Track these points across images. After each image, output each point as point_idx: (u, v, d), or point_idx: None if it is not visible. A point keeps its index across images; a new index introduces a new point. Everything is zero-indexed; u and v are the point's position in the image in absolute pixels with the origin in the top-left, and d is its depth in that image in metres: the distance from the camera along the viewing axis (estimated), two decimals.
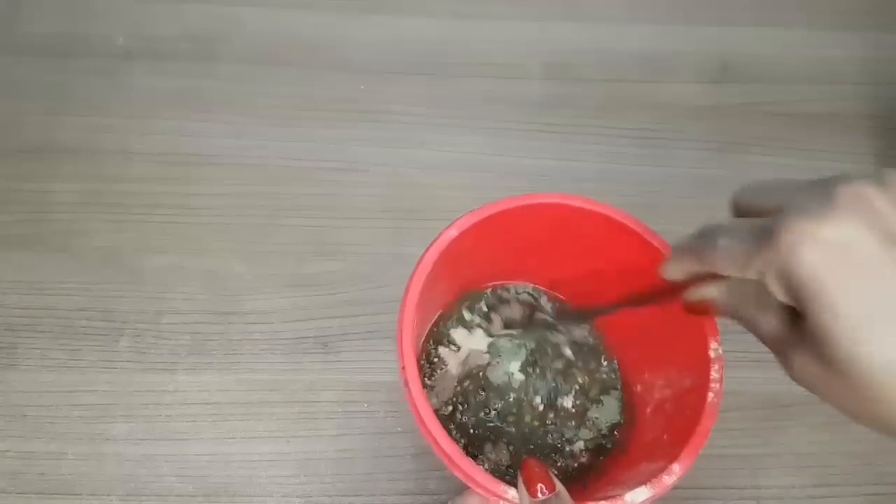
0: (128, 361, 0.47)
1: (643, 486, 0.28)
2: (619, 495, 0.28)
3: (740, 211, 0.25)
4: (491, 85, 0.60)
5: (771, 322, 0.24)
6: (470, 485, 0.29)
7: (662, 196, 0.55)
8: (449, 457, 0.28)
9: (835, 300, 0.20)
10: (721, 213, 0.57)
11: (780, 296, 0.22)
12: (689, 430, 0.30)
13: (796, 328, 0.23)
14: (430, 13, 0.63)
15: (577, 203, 0.34)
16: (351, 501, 0.43)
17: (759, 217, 0.23)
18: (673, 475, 0.29)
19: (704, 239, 0.25)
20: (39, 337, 0.47)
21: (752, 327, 0.25)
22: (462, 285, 0.41)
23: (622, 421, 0.39)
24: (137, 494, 0.43)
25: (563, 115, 0.59)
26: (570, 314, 0.41)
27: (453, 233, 0.33)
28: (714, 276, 0.26)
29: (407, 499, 0.43)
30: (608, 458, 0.38)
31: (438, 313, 0.41)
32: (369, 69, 0.60)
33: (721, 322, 0.31)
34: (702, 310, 0.28)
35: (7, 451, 0.44)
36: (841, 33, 0.64)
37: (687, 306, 0.28)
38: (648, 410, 0.37)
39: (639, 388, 0.39)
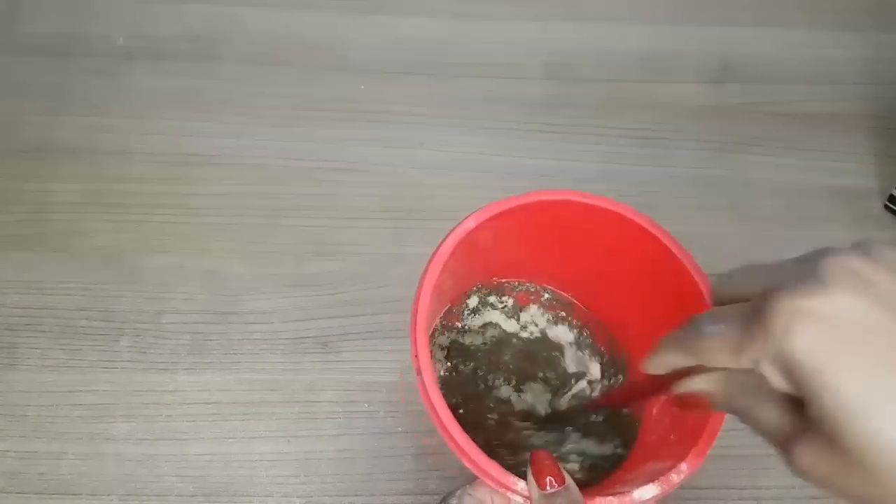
0: (128, 361, 0.47)
1: (651, 484, 0.28)
2: (627, 492, 0.28)
3: (722, 300, 0.24)
4: (491, 85, 0.60)
5: (770, 413, 0.22)
6: (480, 476, 0.28)
7: (662, 196, 0.55)
8: (459, 447, 0.28)
9: (837, 378, 0.19)
10: (720, 213, 0.57)
11: (778, 382, 0.20)
12: (697, 429, 0.30)
13: (798, 417, 0.21)
14: (430, 13, 0.63)
15: (595, 202, 0.34)
16: (351, 501, 0.43)
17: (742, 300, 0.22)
18: (681, 474, 0.29)
19: (691, 329, 0.23)
20: (39, 337, 0.47)
21: (750, 420, 0.23)
22: (475, 279, 0.41)
23: (627, 422, 0.39)
24: (137, 494, 0.43)
25: (563, 115, 0.59)
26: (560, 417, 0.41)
27: (471, 224, 0.33)
28: (702, 368, 0.24)
29: (407, 499, 0.43)
30: (612, 461, 0.38)
31: (447, 306, 0.41)
32: (369, 69, 0.60)
33: None
34: (694, 404, 0.26)
35: (7, 451, 0.44)
36: (841, 33, 0.64)
37: (677, 401, 0.27)
38: (654, 411, 0.37)
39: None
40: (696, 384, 0.25)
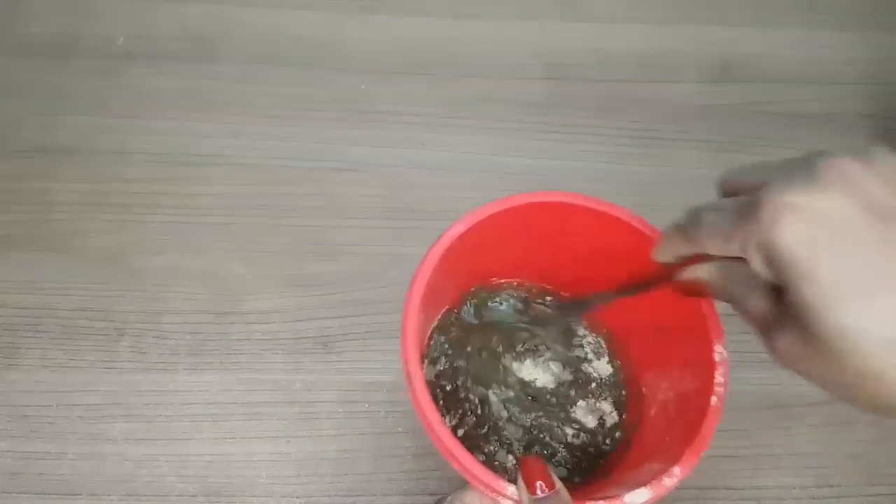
0: (128, 361, 0.47)
1: (643, 488, 0.28)
2: (618, 496, 0.28)
3: (726, 192, 0.26)
4: (491, 85, 0.60)
5: (756, 301, 0.24)
6: (470, 480, 0.29)
7: (662, 196, 0.54)
8: (450, 452, 0.28)
9: (815, 270, 0.20)
10: None
11: (762, 270, 0.22)
12: (691, 433, 0.30)
13: (780, 305, 0.22)
14: (430, 13, 0.63)
15: (573, 200, 0.34)
16: (352, 501, 0.43)
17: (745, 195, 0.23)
18: (673, 477, 0.29)
19: (691, 216, 0.25)
20: (39, 337, 0.47)
21: (738, 307, 0.25)
22: (469, 281, 0.41)
23: (624, 421, 0.39)
24: (137, 494, 0.43)
25: (562, 115, 0.59)
26: (567, 307, 0.41)
27: (460, 228, 0.33)
28: (704, 258, 0.26)
29: (407, 499, 0.43)
30: (609, 459, 0.38)
31: (444, 308, 0.41)
32: (369, 69, 0.60)
33: (725, 324, 0.31)
34: (693, 291, 0.28)
35: (7, 451, 0.44)
36: (841, 33, 0.64)
37: (678, 287, 0.28)
38: (652, 412, 0.37)
39: (644, 389, 0.39)
40: (695, 272, 0.27)
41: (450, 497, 0.32)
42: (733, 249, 0.22)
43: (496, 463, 0.37)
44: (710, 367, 0.31)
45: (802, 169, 0.22)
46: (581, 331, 0.42)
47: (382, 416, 0.45)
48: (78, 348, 0.47)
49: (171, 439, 0.44)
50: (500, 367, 0.40)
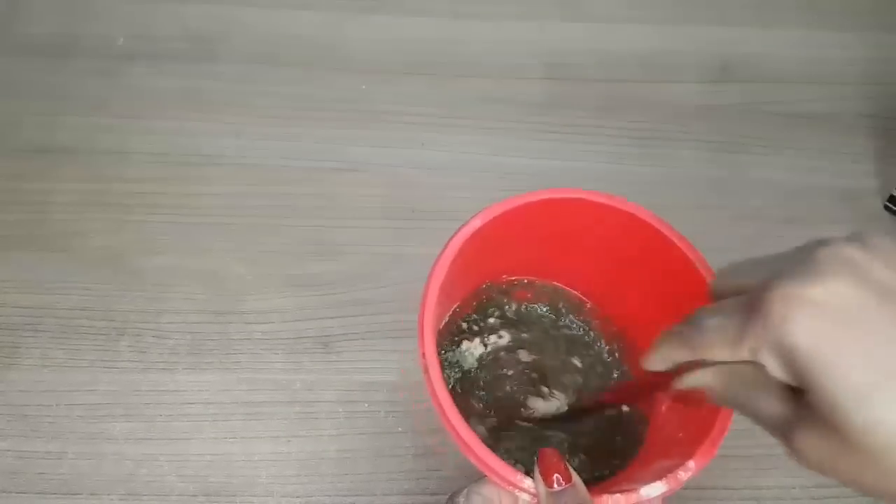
0: (128, 361, 0.47)
1: (658, 482, 0.28)
2: (634, 489, 0.28)
3: (721, 294, 0.24)
4: (491, 85, 0.60)
5: (771, 403, 0.22)
6: (487, 473, 0.29)
7: (662, 196, 0.55)
8: (467, 445, 0.28)
9: (837, 365, 0.19)
10: (720, 213, 0.57)
11: (777, 372, 0.20)
12: (705, 427, 0.30)
13: (798, 405, 0.21)
14: (430, 13, 0.63)
15: (604, 200, 0.34)
16: (351, 501, 0.43)
17: (741, 293, 0.22)
18: (688, 471, 0.29)
19: (690, 324, 0.24)
20: (39, 337, 0.47)
21: (751, 412, 0.23)
22: (481, 278, 0.41)
23: (637, 418, 0.39)
24: (137, 494, 0.43)
25: (563, 115, 0.59)
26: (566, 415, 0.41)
27: (477, 222, 0.33)
28: (701, 363, 0.24)
29: (407, 499, 0.43)
30: (622, 455, 0.38)
31: (456, 305, 0.41)
32: (369, 69, 0.60)
33: None
34: (693, 399, 0.26)
35: (7, 450, 0.44)
36: (841, 33, 0.64)
37: (678, 396, 0.27)
38: (664, 408, 0.37)
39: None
40: (696, 379, 0.25)
41: (466, 490, 0.31)
42: (741, 354, 0.21)
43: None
44: None
45: (802, 261, 0.21)
46: (592, 336, 0.42)
47: (382, 415, 0.45)
48: (78, 348, 0.47)
49: (171, 439, 0.44)
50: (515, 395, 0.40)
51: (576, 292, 0.42)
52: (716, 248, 0.53)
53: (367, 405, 0.46)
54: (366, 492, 0.43)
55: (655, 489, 0.28)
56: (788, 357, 0.20)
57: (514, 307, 0.42)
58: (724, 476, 0.44)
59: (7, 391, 0.45)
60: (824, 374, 0.19)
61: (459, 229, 0.33)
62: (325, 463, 0.44)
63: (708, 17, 0.65)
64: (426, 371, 0.30)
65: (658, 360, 0.26)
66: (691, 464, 0.29)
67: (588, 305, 0.42)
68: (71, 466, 0.43)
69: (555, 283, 0.42)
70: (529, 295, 0.42)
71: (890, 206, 0.55)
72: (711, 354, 0.23)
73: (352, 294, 0.49)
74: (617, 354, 0.41)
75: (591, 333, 0.42)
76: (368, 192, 0.54)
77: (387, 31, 0.62)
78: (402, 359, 0.47)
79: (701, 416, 0.31)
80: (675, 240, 0.33)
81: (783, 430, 0.22)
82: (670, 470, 0.29)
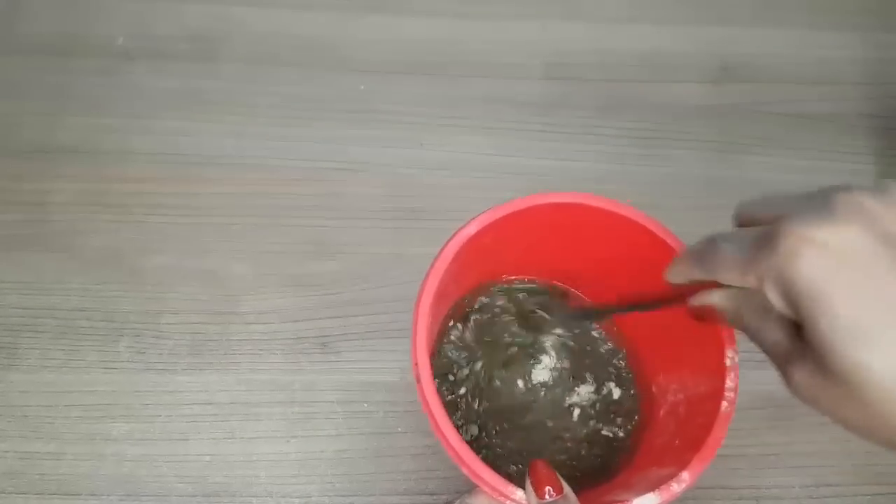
0: (128, 361, 0.47)
1: (650, 493, 0.28)
2: (627, 500, 0.28)
3: (742, 222, 0.25)
4: (491, 85, 0.60)
5: (772, 332, 0.23)
6: (478, 484, 0.29)
7: (662, 196, 0.55)
8: (458, 455, 0.28)
9: (834, 305, 0.20)
10: (720, 213, 0.57)
11: (779, 304, 0.21)
12: (700, 437, 0.30)
13: (797, 339, 0.22)
14: (430, 13, 0.63)
15: (595, 203, 0.34)
16: (351, 501, 0.43)
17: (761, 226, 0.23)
18: (682, 483, 0.29)
19: (707, 245, 0.25)
20: (39, 337, 0.47)
21: (754, 337, 0.25)
22: (476, 280, 0.41)
23: (635, 422, 0.39)
24: (137, 494, 0.43)
25: (563, 115, 0.58)
26: (575, 314, 0.41)
27: (471, 230, 0.33)
28: (718, 285, 0.26)
29: (407, 499, 0.43)
30: (618, 460, 0.38)
31: (452, 304, 0.41)
32: (369, 69, 0.60)
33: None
34: (705, 316, 0.27)
35: (7, 451, 0.44)
36: (841, 33, 0.64)
37: (691, 311, 0.28)
38: (662, 413, 0.37)
39: (654, 389, 0.39)
40: (711, 298, 0.27)
41: (458, 501, 0.32)
42: (749, 281, 0.22)
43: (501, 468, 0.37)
44: (720, 371, 0.31)
45: (820, 202, 0.21)
46: (595, 333, 0.42)
47: (382, 416, 0.45)
48: (77, 348, 0.47)
49: (171, 439, 0.44)
50: (506, 378, 0.40)
51: (574, 290, 0.42)
52: None
53: (366, 405, 0.46)
54: (365, 492, 0.43)
55: (649, 501, 0.28)
56: (790, 290, 0.21)
57: (504, 301, 0.42)
58: (723, 476, 0.44)
59: (7, 392, 0.45)
60: (820, 311, 0.20)
61: (453, 236, 0.33)
62: (323, 463, 0.44)
63: (708, 17, 0.65)
64: (418, 380, 0.30)
65: (676, 274, 0.28)
66: (685, 475, 0.29)
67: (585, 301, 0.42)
68: (70, 467, 0.43)
69: (554, 282, 0.42)
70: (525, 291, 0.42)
71: None
72: (722, 277, 0.24)
73: (351, 294, 0.49)
74: (624, 361, 0.41)
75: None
76: (368, 192, 0.54)
77: (387, 31, 0.62)
78: (401, 359, 0.47)
79: (697, 424, 0.31)
80: (663, 236, 0.33)
81: (782, 362, 0.23)
82: (664, 480, 0.29)
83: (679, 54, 0.62)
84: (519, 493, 0.28)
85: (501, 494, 0.28)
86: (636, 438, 0.38)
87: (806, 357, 0.21)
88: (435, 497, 0.43)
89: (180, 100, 0.58)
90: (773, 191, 0.25)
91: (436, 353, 0.40)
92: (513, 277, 0.42)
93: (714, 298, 0.27)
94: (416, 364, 0.30)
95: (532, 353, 0.40)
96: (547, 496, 0.28)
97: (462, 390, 0.39)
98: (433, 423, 0.29)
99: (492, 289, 0.42)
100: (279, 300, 0.49)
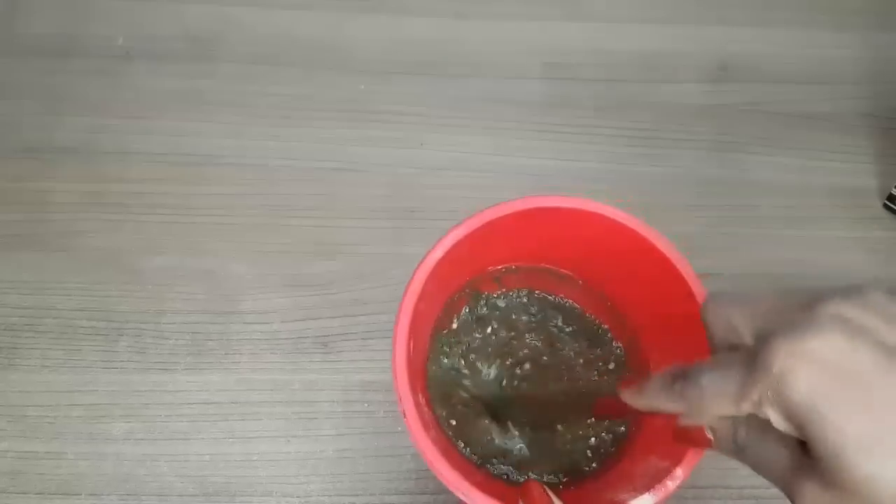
0: (128, 361, 0.47)
1: (647, 494, 0.28)
2: (623, 501, 0.28)
3: (717, 339, 0.25)
4: (491, 85, 0.60)
5: (773, 453, 0.23)
6: None
7: (662, 196, 0.55)
8: (454, 484, 0.28)
9: (838, 419, 0.20)
10: (720, 213, 0.57)
11: (781, 426, 0.21)
12: (694, 430, 0.30)
13: (800, 455, 0.22)
14: (431, 13, 0.63)
15: (578, 206, 0.34)
16: (351, 501, 0.43)
17: (736, 346, 0.23)
18: (676, 479, 0.29)
19: (687, 382, 0.24)
20: (39, 337, 0.47)
21: (751, 460, 0.24)
22: (464, 278, 0.41)
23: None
24: (137, 494, 0.43)
25: (563, 115, 0.58)
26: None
27: (438, 254, 0.33)
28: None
29: (406, 498, 0.43)
30: (611, 453, 0.38)
31: (446, 299, 0.41)
32: (369, 69, 0.60)
33: None
34: (693, 440, 0.27)
35: (7, 451, 0.44)
36: (841, 33, 0.64)
37: (675, 433, 0.28)
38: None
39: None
40: (704, 420, 0.25)
41: None
42: (745, 409, 0.22)
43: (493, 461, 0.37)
44: None
45: (801, 316, 0.21)
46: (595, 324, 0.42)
47: (381, 415, 0.45)
48: (78, 348, 0.47)
49: (171, 439, 0.44)
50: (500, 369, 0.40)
51: (563, 270, 0.42)
52: (715, 248, 0.53)
53: (366, 405, 0.46)
54: (365, 491, 0.43)
55: (644, 502, 0.28)
56: (791, 411, 0.20)
57: (495, 297, 0.42)
58: (723, 475, 0.44)
59: (7, 391, 0.45)
60: (825, 427, 0.20)
61: (419, 265, 0.33)
62: (323, 463, 0.44)
63: (708, 17, 0.65)
64: (404, 415, 0.30)
65: (644, 405, 0.27)
66: (679, 472, 0.29)
67: (580, 282, 0.42)
68: (71, 467, 0.43)
69: (543, 264, 0.42)
70: (514, 281, 0.42)
71: (890, 205, 0.55)
72: (712, 411, 0.23)
73: (351, 294, 0.49)
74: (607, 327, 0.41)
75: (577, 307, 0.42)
76: (368, 192, 0.54)
77: (387, 31, 0.62)
78: None
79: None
80: (659, 244, 0.34)
81: (786, 481, 0.23)
82: (659, 475, 0.29)
83: (679, 54, 0.62)
84: None
85: None
86: (629, 431, 0.38)
87: (814, 472, 0.21)
88: (435, 497, 0.43)
89: (180, 100, 0.58)
90: (734, 293, 0.25)
91: (437, 345, 0.40)
92: (500, 266, 0.42)
93: (708, 421, 0.25)
94: (400, 399, 0.30)
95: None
96: None
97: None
98: (425, 457, 0.29)
99: (479, 283, 0.41)
100: (279, 300, 0.49)
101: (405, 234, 0.52)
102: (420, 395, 0.32)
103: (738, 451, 0.25)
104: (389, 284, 0.50)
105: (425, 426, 0.29)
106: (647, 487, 0.29)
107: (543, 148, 0.57)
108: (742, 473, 0.44)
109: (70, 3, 0.62)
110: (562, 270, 0.41)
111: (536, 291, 0.42)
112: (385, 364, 0.47)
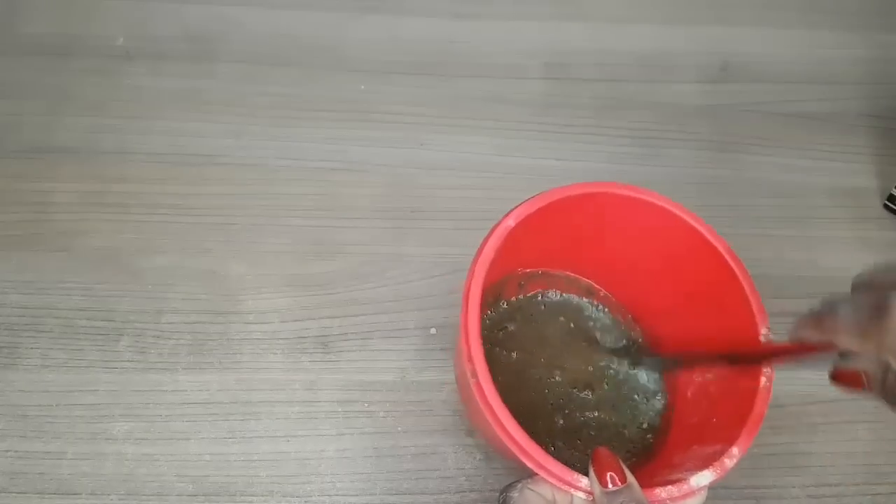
0: (128, 361, 0.47)
1: (706, 470, 0.29)
2: (683, 479, 0.29)
3: (858, 287, 0.27)
4: (491, 85, 0.60)
5: None
6: (543, 475, 0.29)
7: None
8: (521, 447, 0.28)
9: None
10: (720, 213, 0.57)
11: None
12: (742, 413, 0.30)
13: None
14: (431, 13, 0.63)
15: (631, 194, 0.35)
16: (351, 501, 0.43)
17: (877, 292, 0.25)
18: (733, 458, 0.29)
19: (826, 308, 0.26)
20: (40, 337, 0.47)
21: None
22: (505, 272, 0.41)
23: (662, 404, 0.40)
24: (137, 494, 0.43)
25: (563, 115, 0.59)
26: (648, 359, 0.41)
27: (510, 223, 0.33)
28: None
29: (407, 499, 0.43)
30: (652, 442, 0.38)
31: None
32: (369, 69, 0.60)
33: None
34: (850, 382, 0.29)
35: (7, 451, 0.44)
36: (841, 33, 0.64)
37: (835, 374, 0.29)
38: (689, 393, 0.37)
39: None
40: (860, 364, 0.28)
41: (519, 485, 0.31)
42: (868, 348, 0.23)
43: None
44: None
45: None
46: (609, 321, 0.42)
47: (382, 415, 0.45)
48: (78, 348, 0.47)
49: (171, 439, 0.44)
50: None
51: (597, 286, 0.43)
52: None
53: (366, 405, 0.46)
54: (365, 492, 0.43)
55: (705, 478, 0.29)
56: None
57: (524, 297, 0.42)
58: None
59: (7, 391, 0.45)
60: None
61: (493, 230, 0.33)
62: (324, 463, 0.44)
63: (708, 17, 0.65)
64: (474, 376, 0.29)
65: (799, 333, 0.28)
66: (735, 450, 0.30)
67: (602, 293, 0.43)
68: (71, 466, 0.43)
69: (577, 275, 0.43)
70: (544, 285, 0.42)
71: (890, 205, 0.55)
72: (841, 341, 0.25)
73: (351, 294, 0.49)
74: (633, 334, 0.42)
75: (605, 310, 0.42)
76: (368, 192, 0.54)
77: (387, 31, 0.62)
78: (401, 358, 0.47)
79: (734, 402, 0.32)
80: (713, 240, 0.34)
81: None
82: (713, 456, 0.29)
83: (679, 54, 0.62)
84: (584, 481, 0.28)
85: (566, 483, 0.28)
86: (665, 421, 0.39)
87: None
88: (436, 497, 0.43)
89: (180, 100, 0.58)
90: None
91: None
92: (539, 270, 0.42)
93: (863, 364, 0.28)
94: (471, 359, 0.29)
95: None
96: (610, 484, 0.28)
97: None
98: (492, 417, 0.29)
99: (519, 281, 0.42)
100: (279, 300, 0.49)
101: (405, 234, 0.52)
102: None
103: (887, 395, 0.27)
104: (389, 284, 0.50)
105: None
106: (704, 467, 0.29)
107: (543, 148, 0.57)
108: (743, 474, 0.45)
109: (70, 3, 0.62)
110: (595, 285, 0.42)
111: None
112: (385, 364, 0.47)
